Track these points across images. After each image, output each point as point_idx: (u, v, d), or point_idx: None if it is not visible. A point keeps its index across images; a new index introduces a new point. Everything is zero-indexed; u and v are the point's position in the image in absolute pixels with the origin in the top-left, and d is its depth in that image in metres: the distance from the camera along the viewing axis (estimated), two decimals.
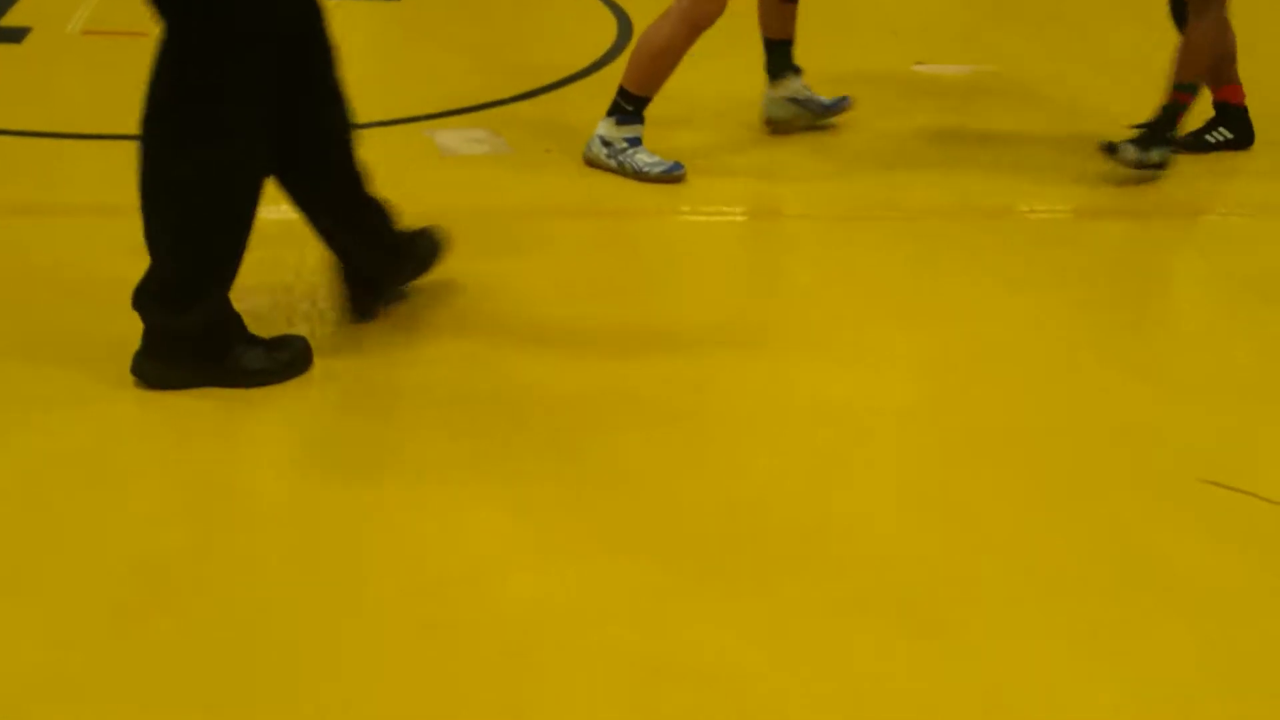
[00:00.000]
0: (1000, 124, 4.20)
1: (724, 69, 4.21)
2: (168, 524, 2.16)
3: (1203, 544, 2.19)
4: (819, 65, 4.34)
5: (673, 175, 3.55)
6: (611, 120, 3.60)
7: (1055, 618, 2.02)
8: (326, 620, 1.96)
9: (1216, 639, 1.99)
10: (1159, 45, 4.65)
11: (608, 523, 2.21)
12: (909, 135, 4.08)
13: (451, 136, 3.86)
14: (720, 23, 3.55)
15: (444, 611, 1.98)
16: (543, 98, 4.23)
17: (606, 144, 3.59)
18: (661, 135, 3.67)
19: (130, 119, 2.46)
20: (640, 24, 5.02)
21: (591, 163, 3.63)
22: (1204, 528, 2.24)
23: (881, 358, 2.78)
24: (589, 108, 4.03)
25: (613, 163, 3.59)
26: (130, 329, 2.49)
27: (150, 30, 2.43)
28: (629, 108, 3.58)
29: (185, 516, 2.20)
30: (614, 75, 4.57)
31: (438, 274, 2.95)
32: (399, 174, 3.64)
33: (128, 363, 2.49)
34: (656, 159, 3.57)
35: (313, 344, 2.62)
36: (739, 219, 3.55)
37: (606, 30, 4.96)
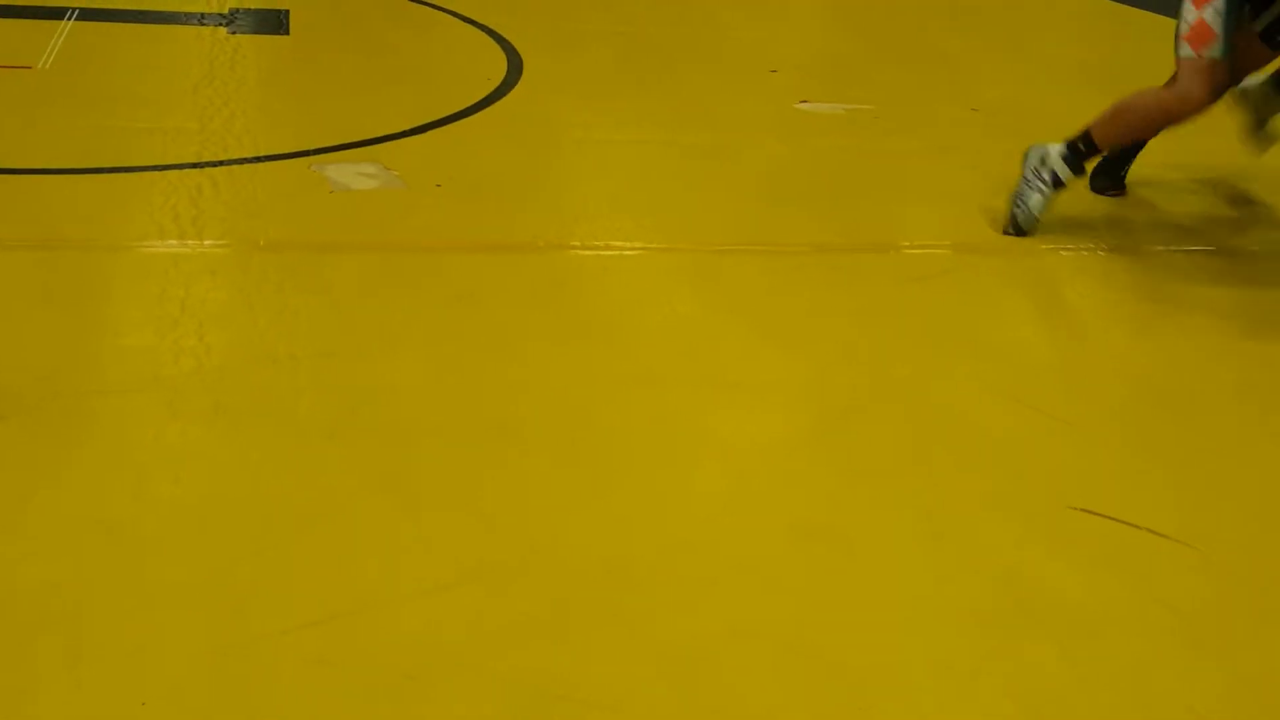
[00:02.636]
0: (879, 162, 4.34)
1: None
2: (37, 555, 2.13)
3: (1074, 569, 2.28)
4: (699, 105, 4.45)
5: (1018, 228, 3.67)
6: (1063, 147, 3.63)
7: (930, 643, 2.08)
8: (213, 655, 1.95)
9: (1083, 659, 2.06)
10: (1027, 82, 4.82)
11: (496, 553, 2.23)
12: (792, 171, 4.20)
13: (342, 171, 3.87)
14: None
15: (334, 646, 1.99)
16: (434, 132, 4.26)
17: (1041, 162, 3.64)
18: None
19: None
20: (530, 59, 5.11)
21: (1023, 162, 3.69)
22: (1075, 553, 2.33)
23: (763, 389, 2.84)
24: (479, 142, 4.06)
25: (1026, 174, 3.66)
26: None
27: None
28: (1081, 148, 3.61)
29: (60, 547, 2.17)
30: (505, 110, 4.64)
31: (323, 308, 2.96)
32: (289, 209, 3.65)
33: None
34: (1040, 208, 3.64)
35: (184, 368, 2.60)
36: (628, 253, 3.60)
37: (497, 65, 5.01)
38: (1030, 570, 2.28)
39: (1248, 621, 2.19)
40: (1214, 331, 3.23)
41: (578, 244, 3.55)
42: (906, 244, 3.69)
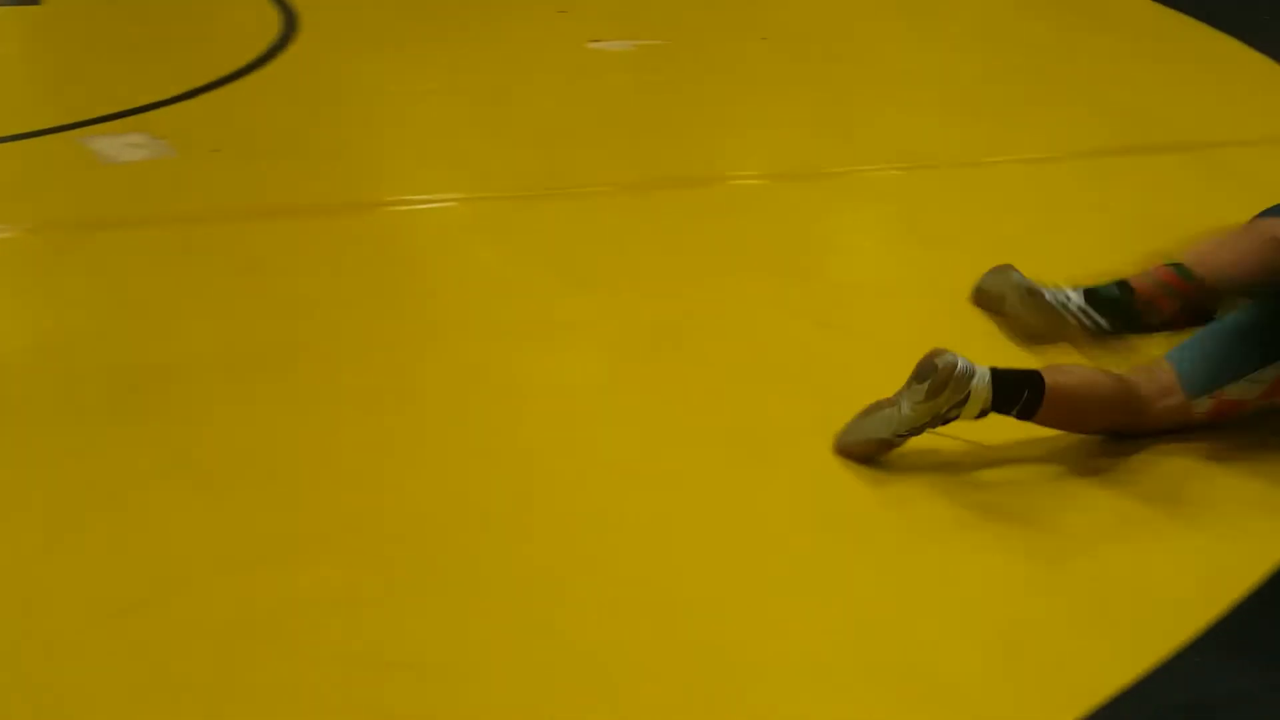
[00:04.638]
0: (673, 97, 4.30)
1: None
2: None
3: (885, 483, 2.30)
4: (488, 50, 4.35)
5: None
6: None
7: (754, 561, 2.08)
8: (15, 655, 1.83)
9: (896, 568, 2.09)
10: (821, 7, 4.84)
11: (308, 524, 2.14)
12: (585, 112, 4.13)
13: (109, 143, 3.65)
14: None
15: (147, 631, 1.88)
16: (206, 96, 4.06)
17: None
18: None
19: None
20: (306, 13, 4.90)
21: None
22: (889, 469, 2.33)
23: (574, 330, 2.79)
24: (257, 103, 3.89)
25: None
26: None
27: None
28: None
29: None
30: (283, 68, 4.44)
31: (97, 289, 2.79)
32: (56, 187, 3.44)
33: None
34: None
35: None
36: (423, 207, 3.50)
37: (270, 21, 4.80)
38: (847, 488, 2.28)
39: (1041, 513, 2.24)
40: (1013, 241, 3.28)
41: (369, 201, 3.43)
42: (706, 176, 3.66)
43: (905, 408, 2.29)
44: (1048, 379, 2.33)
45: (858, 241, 3.42)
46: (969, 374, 2.26)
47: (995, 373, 2.29)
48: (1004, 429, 2.35)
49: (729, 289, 2.98)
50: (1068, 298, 2.32)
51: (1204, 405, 2.40)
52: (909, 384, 2.30)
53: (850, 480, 2.29)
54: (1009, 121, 4.12)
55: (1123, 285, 2.38)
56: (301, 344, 2.70)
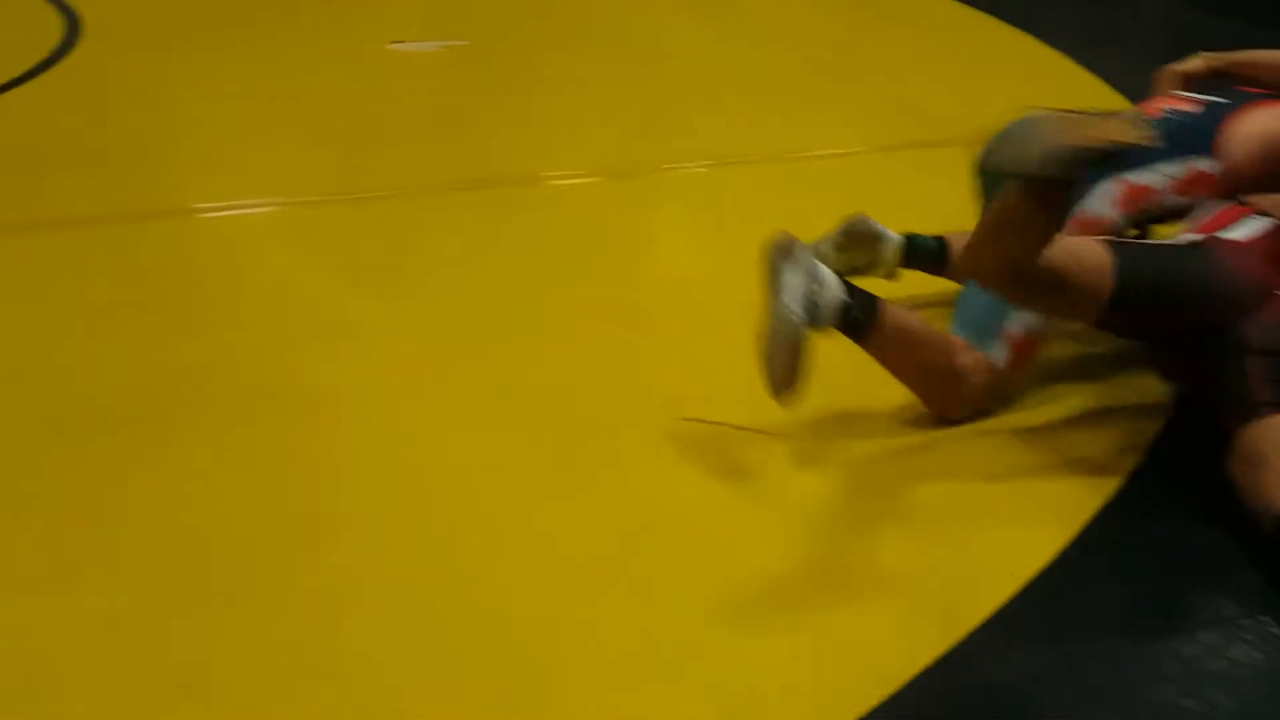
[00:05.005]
0: (477, 97, 4.25)
1: None
2: None
3: (694, 475, 2.31)
4: (284, 52, 4.23)
5: None
6: None
7: (557, 562, 2.07)
8: None
9: (700, 562, 2.09)
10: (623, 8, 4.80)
11: (89, 541, 2.06)
12: (386, 115, 4.05)
13: None
14: None
15: None
16: None
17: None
18: None
19: None
20: (91, 17, 4.69)
21: None
22: (693, 460, 2.35)
23: (375, 337, 2.72)
24: (37, 111, 3.71)
25: None
26: None
27: None
28: None
29: None
30: (65, 74, 4.26)
31: None
32: None
33: None
34: None
35: None
36: (213, 215, 3.37)
37: (52, 26, 4.58)
38: (652, 481, 2.29)
39: (850, 504, 2.26)
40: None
41: (163, 209, 3.30)
42: (515, 177, 3.62)
43: (787, 293, 2.24)
44: (888, 308, 2.33)
45: (667, 239, 3.42)
46: (797, 243, 2.30)
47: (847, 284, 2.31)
48: (796, 416, 2.38)
49: (537, 291, 2.94)
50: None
51: (1001, 353, 2.41)
52: (773, 280, 2.28)
53: (653, 486, 2.29)
54: (810, 118, 4.18)
55: (940, 240, 2.57)
56: (82, 363, 2.58)
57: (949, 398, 2.41)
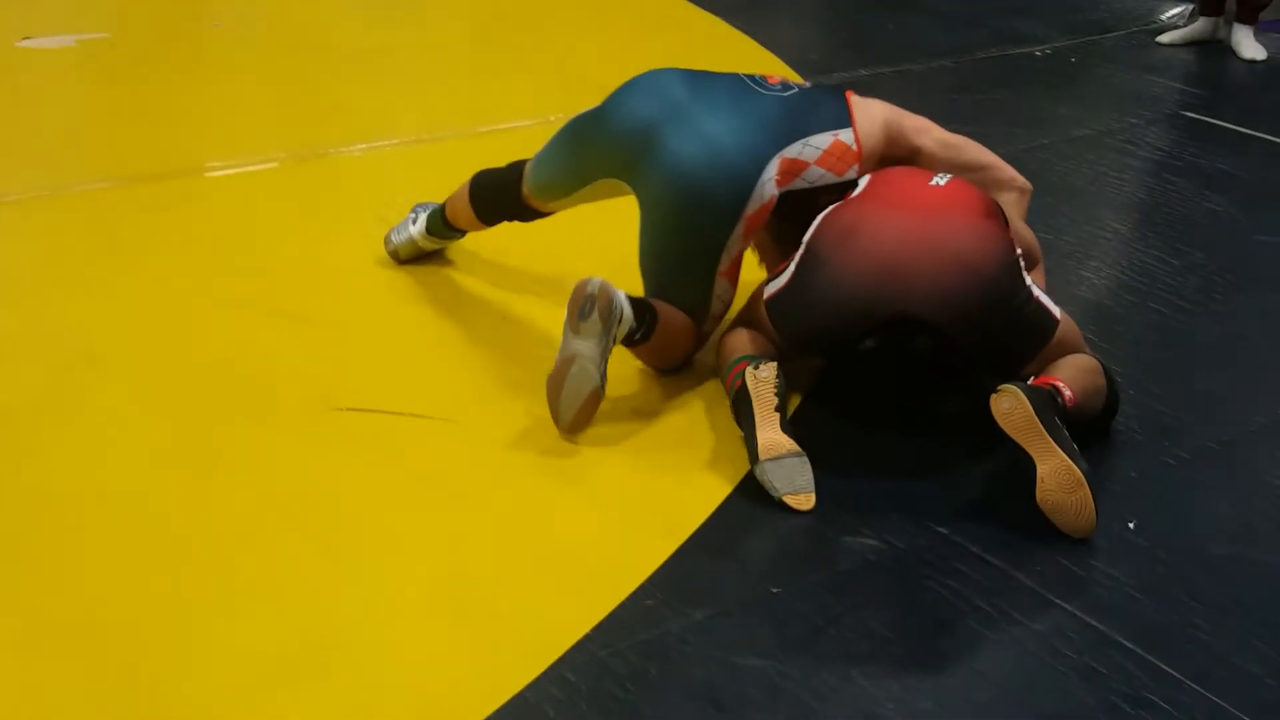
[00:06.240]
0: (119, 91, 4.03)
1: None
2: None
3: (347, 461, 2.28)
4: None
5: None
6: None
7: (206, 561, 2.01)
8: None
9: (339, 546, 2.07)
10: None
11: None
12: (13, 117, 3.78)
13: None
14: None
15: None
16: None
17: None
18: None
19: None
20: None
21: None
22: (348, 448, 2.31)
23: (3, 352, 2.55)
24: None
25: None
26: None
27: None
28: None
29: None
30: None
31: None
32: None
33: None
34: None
35: None
36: None
37: None
38: (308, 472, 2.24)
39: (496, 476, 2.27)
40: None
41: None
42: (160, 172, 3.43)
43: (589, 346, 2.28)
44: (658, 315, 2.43)
45: (326, 226, 3.31)
46: (614, 294, 2.32)
47: (629, 297, 2.37)
48: (451, 398, 2.34)
49: (186, 288, 2.82)
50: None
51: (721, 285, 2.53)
52: (578, 322, 2.29)
53: (309, 474, 2.23)
54: (477, 92, 4.14)
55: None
56: None
57: (686, 354, 2.57)
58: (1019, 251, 2.35)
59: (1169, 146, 4.12)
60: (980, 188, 2.48)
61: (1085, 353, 2.45)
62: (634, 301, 2.39)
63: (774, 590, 2.01)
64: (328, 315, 2.75)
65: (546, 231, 2.83)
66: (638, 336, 2.40)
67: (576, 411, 2.30)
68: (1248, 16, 4.86)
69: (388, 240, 2.95)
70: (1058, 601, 2.02)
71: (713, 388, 2.52)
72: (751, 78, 2.59)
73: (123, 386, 2.46)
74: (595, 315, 2.28)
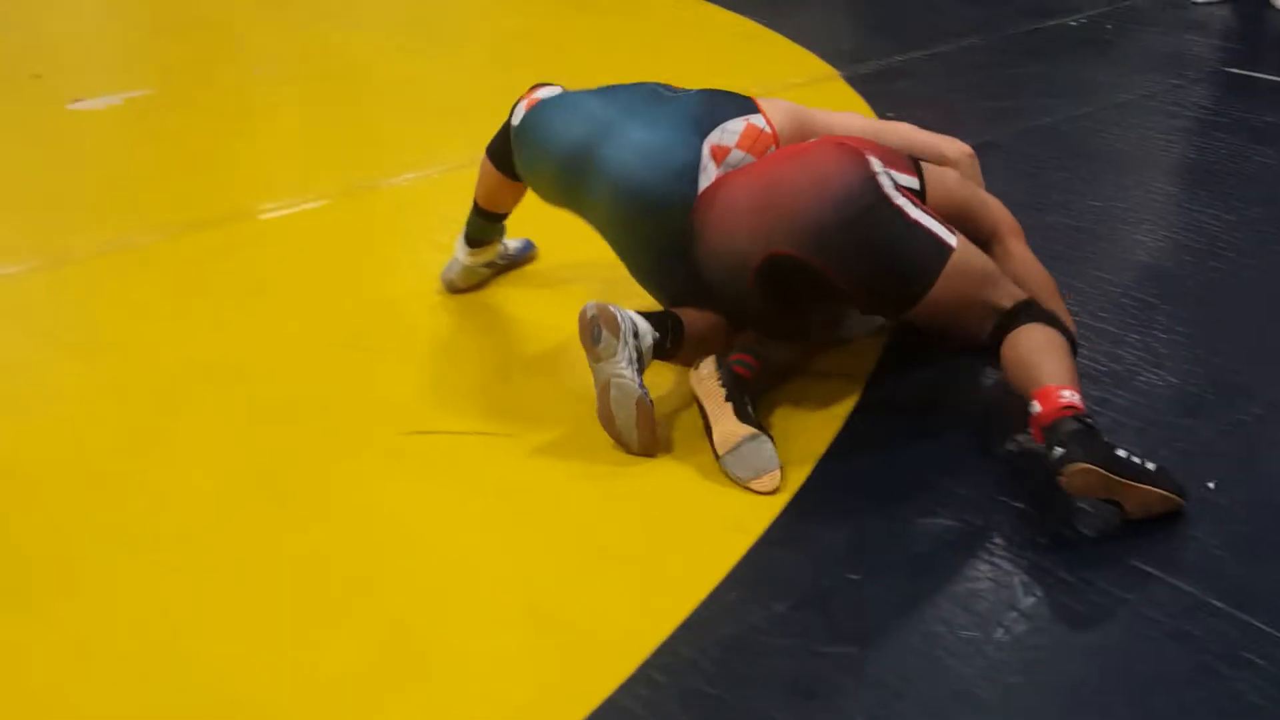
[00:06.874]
0: (169, 143, 4.10)
1: None
2: None
3: (421, 483, 2.30)
4: None
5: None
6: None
7: (281, 600, 2.02)
8: None
9: (425, 570, 2.09)
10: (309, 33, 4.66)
11: None
12: (79, 174, 3.87)
13: None
14: None
15: None
16: None
17: None
18: None
19: None
20: None
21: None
22: (413, 471, 2.34)
23: (82, 402, 2.60)
24: None
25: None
26: None
27: None
28: None
29: None
30: None
31: None
32: None
33: None
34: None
35: None
36: None
37: None
38: (389, 496, 2.27)
39: (562, 486, 2.28)
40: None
41: None
42: (221, 216, 3.49)
43: (615, 366, 2.28)
44: (686, 323, 2.43)
45: (384, 256, 3.36)
46: (616, 309, 2.31)
47: (644, 312, 2.38)
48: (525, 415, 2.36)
49: (254, 328, 2.87)
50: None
51: None
52: (594, 348, 2.29)
53: (386, 487, 2.26)
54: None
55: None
56: None
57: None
58: (891, 180, 2.30)
59: (1213, 104, 4.07)
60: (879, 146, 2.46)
61: (1000, 289, 2.29)
62: (650, 315, 2.40)
63: (852, 577, 2.01)
64: (390, 344, 2.78)
65: (594, 248, 2.84)
66: (668, 345, 2.40)
67: (638, 431, 2.30)
68: None
69: (443, 277, 3.00)
70: (1143, 567, 2.00)
71: None
72: (657, 86, 2.64)
73: (199, 429, 2.50)
74: (605, 334, 2.29)
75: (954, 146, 2.69)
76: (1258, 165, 3.50)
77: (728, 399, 2.27)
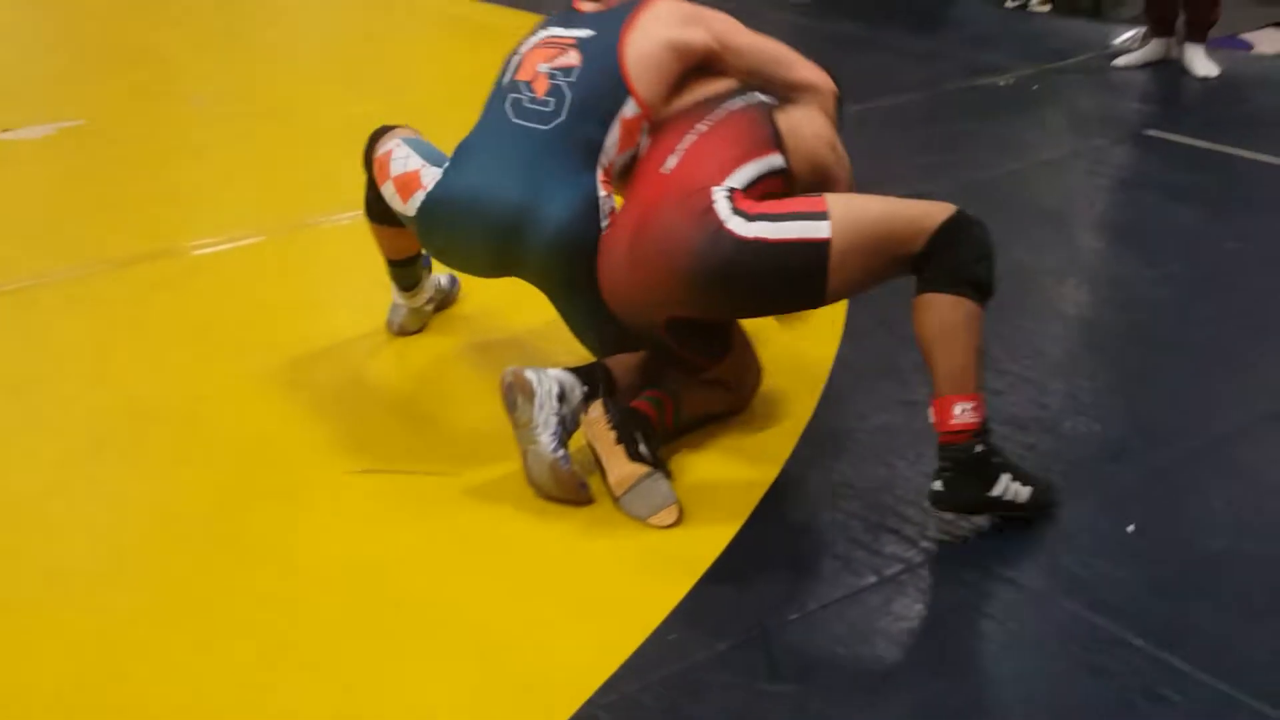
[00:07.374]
0: (101, 175, 4.07)
1: None
2: None
3: (364, 524, 2.30)
4: None
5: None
6: None
7: (235, 629, 2.01)
8: None
9: (364, 601, 2.09)
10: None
11: None
12: (5, 205, 3.82)
13: None
14: None
15: None
16: None
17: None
18: None
19: None
20: None
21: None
22: (362, 510, 2.34)
23: (6, 442, 2.57)
24: None
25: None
26: None
27: None
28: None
29: None
30: None
31: None
32: None
33: None
34: None
35: None
36: None
37: None
38: (325, 532, 2.27)
39: (508, 526, 2.29)
40: None
41: None
42: (147, 253, 3.47)
43: (531, 432, 2.28)
44: (613, 372, 2.45)
45: (318, 296, 3.36)
46: (531, 373, 2.31)
47: (568, 368, 2.40)
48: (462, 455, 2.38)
49: (185, 369, 2.84)
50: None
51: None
52: (512, 414, 2.30)
53: (321, 523, 2.26)
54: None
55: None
56: None
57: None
58: (730, 206, 2.26)
59: (1134, 164, 4.22)
60: (749, 114, 2.45)
61: (899, 238, 2.22)
62: (578, 369, 2.41)
63: (792, 617, 2.05)
64: (331, 382, 2.78)
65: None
66: (601, 396, 2.38)
67: (560, 493, 2.30)
68: (1198, 35, 4.99)
69: (391, 325, 2.98)
70: (1068, 605, 2.07)
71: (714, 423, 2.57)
72: (514, 103, 2.52)
73: (130, 469, 2.48)
74: (520, 401, 2.31)
75: (810, 82, 2.60)
76: (1175, 223, 3.63)
77: (619, 441, 2.30)
